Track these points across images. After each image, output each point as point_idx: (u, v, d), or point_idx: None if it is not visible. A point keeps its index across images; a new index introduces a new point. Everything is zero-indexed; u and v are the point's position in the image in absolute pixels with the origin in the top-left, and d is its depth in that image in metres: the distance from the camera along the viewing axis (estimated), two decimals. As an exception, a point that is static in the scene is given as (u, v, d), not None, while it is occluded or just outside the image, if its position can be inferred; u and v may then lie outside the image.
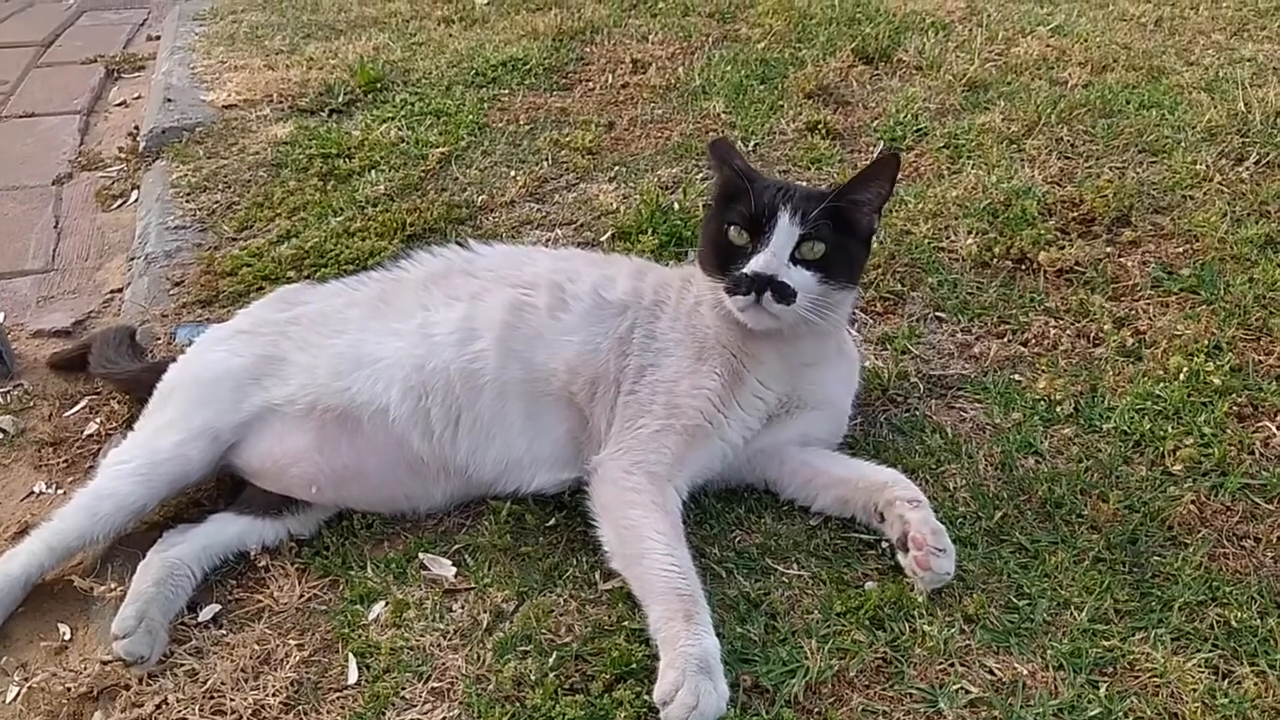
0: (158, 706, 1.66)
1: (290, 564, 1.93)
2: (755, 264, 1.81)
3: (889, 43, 4.17)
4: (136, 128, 4.13)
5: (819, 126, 3.48)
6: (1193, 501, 1.94)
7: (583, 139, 3.50)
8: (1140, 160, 3.17)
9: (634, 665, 1.64)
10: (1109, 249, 2.74)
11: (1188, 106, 3.48)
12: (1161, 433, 2.11)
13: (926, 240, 2.81)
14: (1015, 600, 1.76)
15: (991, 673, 1.64)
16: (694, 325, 1.96)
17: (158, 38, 5.51)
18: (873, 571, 1.84)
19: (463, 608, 1.81)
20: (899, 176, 1.91)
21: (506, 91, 4.02)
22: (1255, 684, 1.60)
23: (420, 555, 1.92)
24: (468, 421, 1.95)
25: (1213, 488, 1.99)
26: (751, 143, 3.43)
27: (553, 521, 1.98)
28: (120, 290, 3.05)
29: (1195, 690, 1.59)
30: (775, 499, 2.01)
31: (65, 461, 2.32)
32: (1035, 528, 1.92)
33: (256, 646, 1.75)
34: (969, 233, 2.81)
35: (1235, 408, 2.17)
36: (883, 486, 1.89)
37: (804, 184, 3.03)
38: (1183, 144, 3.22)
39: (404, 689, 1.66)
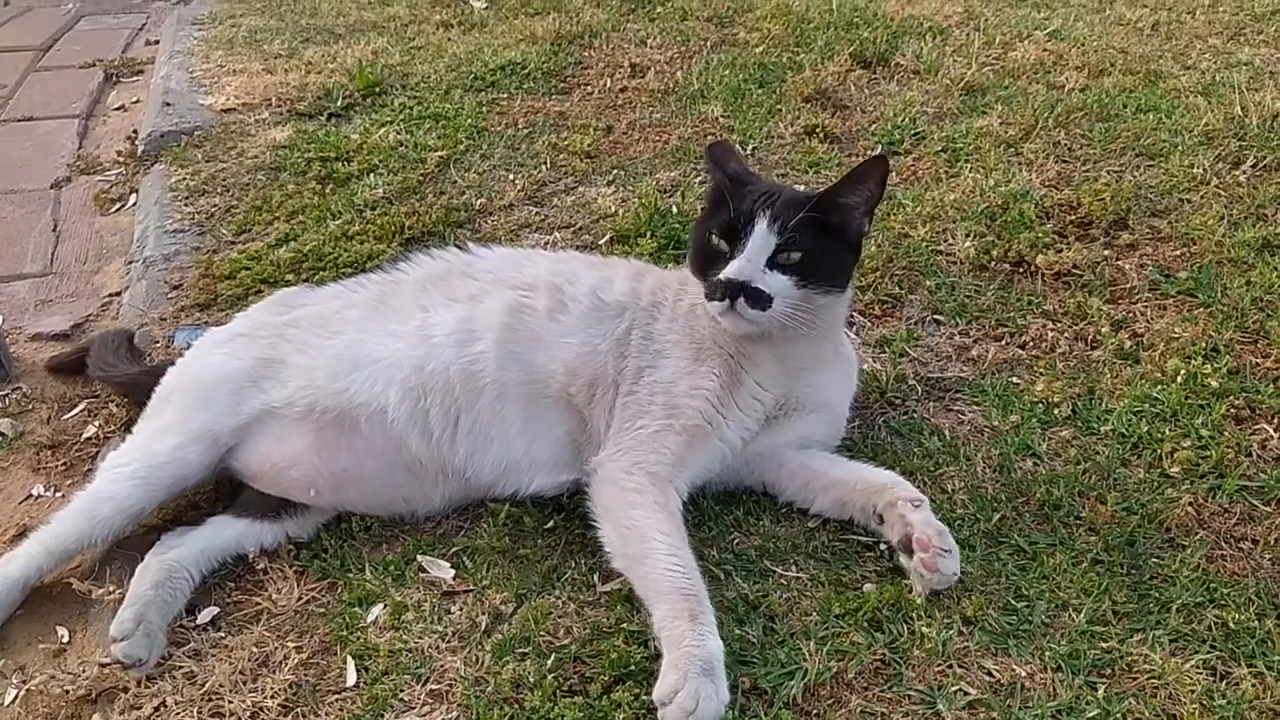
0: (156, 709, 1.66)
1: (289, 566, 1.93)
2: (730, 270, 1.82)
3: (886, 47, 4.18)
4: (135, 131, 4.12)
5: (817, 130, 3.49)
6: (1190, 503, 1.95)
7: (581, 143, 3.50)
8: (1137, 164, 3.18)
9: (632, 667, 1.64)
10: (1106, 252, 2.74)
11: (1185, 110, 3.48)
12: (1159, 435, 2.12)
13: (924, 243, 2.81)
14: (1013, 602, 1.76)
15: (990, 674, 1.64)
16: (691, 326, 1.97)
17: (156, 42, 5.50)
18: (871, 574, 1.84)
19: (461, 610, 1.81)
20: (888, 178, 1.90)
21: (505, 95, 4.02)
22: (1253, 685, 1.60)
23: (419, 557, 1.92)
24: (467, 423, 1.95)
25: (1210, 490, 1.99)
26: (750, 146, 3.44)
27: (551, 524, 1.98)
28: (119, 294, 3.05)
29: (1193, 691, 1.59)
30: (774, 501, 2.01)
31: (63, 464, 2.32)
32: (1033, 530, 1.92)
33: (255, 649, 1.75)
34: (967, 236, 2.81)
35: (1233, 410, 2.17)
36: (881, 488, 1.89)
37: (801, 187, 3.05)
38: (1180, 147, 3.22)
39: (402, 691, 1.66)
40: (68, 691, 1.70)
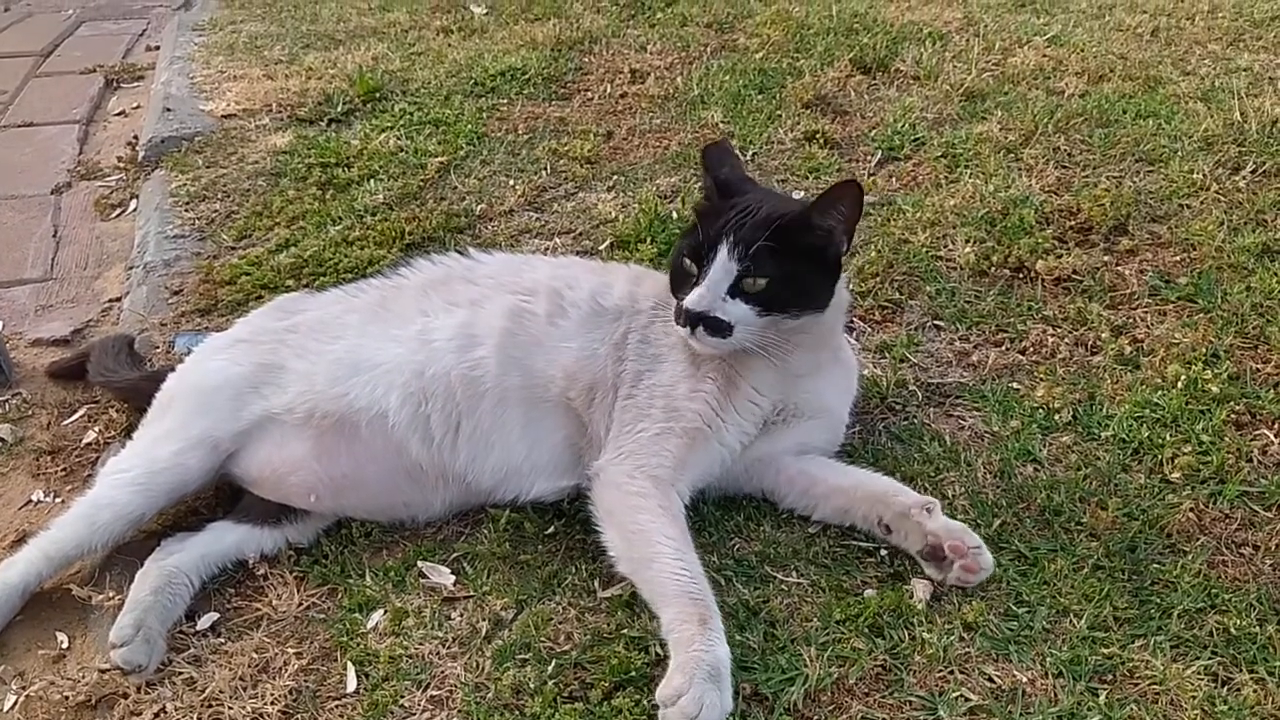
0: (156, 715, 1.66)
1: (289, 572, 1.93)
2: (689, 300, 1.82)
3: (886, 53, 4.18)
4: (135, 137, 4.13)
5: (817, 136, 3.49)
6: (1191, 509, 1.94)
7: (581, 148, 3.51)
8: (1137, 169, 3.18)
9: (633, 673, 1.63)
10: (1106, 257, 2.74)
11: (1184, 116, 3.49)
12: (1160, 440, 2.11)
13: (924, 249, 2.81)
14: (1014, 608, 1.76)
15: (991, 680, 1.63)
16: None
17: (157, 48, 5.52)
18: (872, 579, 1.84)
19: (462, 616, 1.81)
20: (863, 199, 1.85)
21: (505, 101, 4.03)
22: (1254, 691, 1.60)
23: (419, 563, 1.92)
24: (468, 428, 1.95)
25: (1211, 495, 1.99)
26: (749, 152, 3.44)
27: (551, 529, 1.98)
28: (119, 299, 3.05)
29: (1194, 697, 1.59)
30: (774, 507, 2.01)
31: (63, 470, 2.32)
32: (1034, 535, 1.92)
33: (255, 655, 1.75)
34: (967, 241, 2.81)
35: (1233, 415, 2.17)
36: (885, 496, 1.89)
37: (800, 193, 3.06)
38: (1179, 153, 3.22)
39: (403, 697, 1.65)
40: (67, 697, 1.70)
